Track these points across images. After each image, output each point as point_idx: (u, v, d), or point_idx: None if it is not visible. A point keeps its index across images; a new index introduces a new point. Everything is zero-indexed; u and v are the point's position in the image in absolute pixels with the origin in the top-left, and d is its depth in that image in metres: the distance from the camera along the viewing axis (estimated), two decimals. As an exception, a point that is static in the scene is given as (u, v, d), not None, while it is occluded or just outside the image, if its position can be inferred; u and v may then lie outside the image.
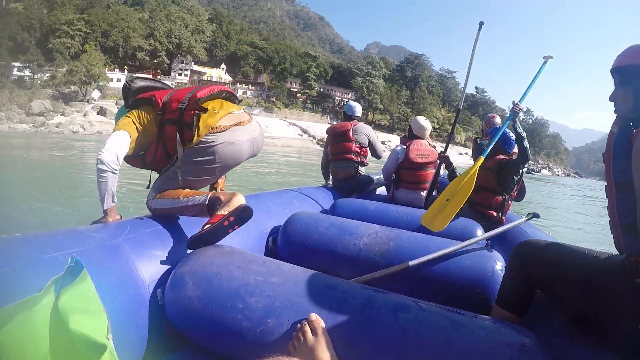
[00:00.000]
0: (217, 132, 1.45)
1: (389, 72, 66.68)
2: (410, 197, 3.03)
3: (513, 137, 2.61)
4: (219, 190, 1.75)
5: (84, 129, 35.65)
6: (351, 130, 3.22)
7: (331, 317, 0.95)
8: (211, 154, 1.45)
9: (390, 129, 58.81)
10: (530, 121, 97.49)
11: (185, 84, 53.26)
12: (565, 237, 5.55)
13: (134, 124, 1.49)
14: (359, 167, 3.25)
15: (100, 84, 45.80)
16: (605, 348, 0.98)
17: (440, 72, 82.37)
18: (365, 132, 3.26)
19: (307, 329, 0.91)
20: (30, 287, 0.74)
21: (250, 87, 59.09)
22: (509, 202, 2.64)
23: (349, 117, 3.37)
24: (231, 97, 1.65)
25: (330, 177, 3.40)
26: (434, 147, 3.08)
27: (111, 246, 1.16)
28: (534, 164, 70.72)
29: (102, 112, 42.22)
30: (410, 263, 1.49)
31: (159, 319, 1.15)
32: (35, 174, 9.21)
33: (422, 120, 3.19)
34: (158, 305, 1.17)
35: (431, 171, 3.02)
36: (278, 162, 17.78)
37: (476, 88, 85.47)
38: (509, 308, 1.23)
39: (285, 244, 1.76)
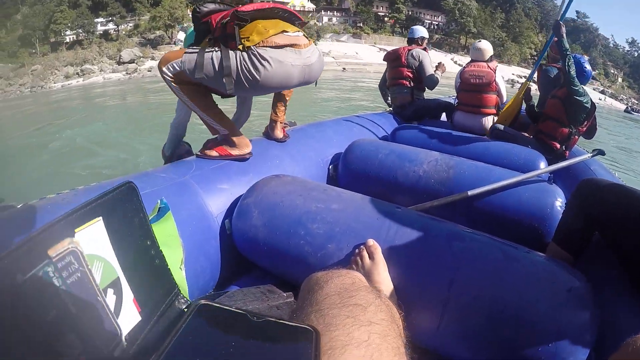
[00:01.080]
0: (267, 47, 1.37)
1: None
2: (468, 121, 2.92)
3: (588, 67, 2.57)
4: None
5: None
6: (405, 55, 3.17)
7: (388, 243, 0.98)
8: (255, 67, 1.35)
9: (483, 55, 52.77)
10: (636, 54, 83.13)
11: None
12: (633, 182, 4.81)
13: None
14: (416, 92, 3.19)
15: (185, 25, 45.25)
16: None
17: (535, -6, 72.05)
18: (417, 55, 3.14)
19: (365, 253, 0.95)
20: None
21: (335, 13, 57.06)
22: (576, 136, 2.47)
23: (410, 40, 3.31)
24: (291, 18, 1.52)
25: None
26: (494, 70, 2.86)
27: (180, 184, 1.23)
28: (637, 103, 59.92)
29: (190, 51, 41.94)
30: (469, 193, 1.49)
31: (228, 248, 1.24)
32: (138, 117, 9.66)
33: (479, 43, 3.07)
34: (226, 234, 1.25)
35: (492, 96, 2.87)
36: (372, 88, 16.56)
37: (577, 12, 74.83)
38: (565, 246, 1.21)
39: (345, 171, 1.78)
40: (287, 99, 1.75)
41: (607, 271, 1.09)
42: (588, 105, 2.36)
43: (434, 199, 1.50)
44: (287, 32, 1.40)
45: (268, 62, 1.32)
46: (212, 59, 1.33)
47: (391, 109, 3.38)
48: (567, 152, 2.47)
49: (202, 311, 0.41)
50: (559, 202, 1.43)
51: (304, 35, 1.47)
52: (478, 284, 0.87)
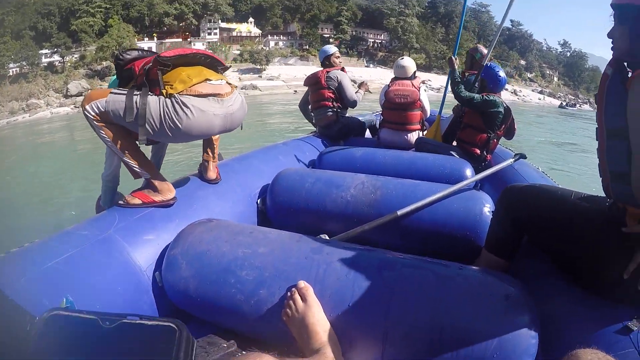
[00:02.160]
0: (190, 95, 1.36)
1: (422, 10, 63.47)
2: (394, 138, 2.98)
3: (502, 75, 2.64)
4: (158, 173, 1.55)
5: None
6: (323, 77, 3.16)
7: (319, 282, 0.97)
8: (178, 115, 1.33)
9: (427, 68, 56.55)
10: (568, 54, 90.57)
11: (217, 42, 52.61)
12: (562, 177, 5.27)
13: None
14: (339, 112, 3.19)
15: (133, 55, 45.37)
16: (590, 293, 1.00)
17: (473, 6, 77.15)
18: (335, 77, 3.15)
19: (297, 296, 0.94)
20: (33, 305, 0.72)
21: (281, 37, 58.05)
22: (495, 140, 2.60)
23: (323, 63, 3.30)
24: (213, 63, 1.52)
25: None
26: (418, 88, 2.97)
27: (103, 240, 1.17)
28: (573, 99, 66.32)
29: (139, 82, 41.97)
30: (399, 212, 1.49)
31: (162, 301, 1.20)
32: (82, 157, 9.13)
33: (402, 60, 3.16)
34: (159, 287, 1.19)
35: (416, 112, 2.94)
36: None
37: (511, 21, 79.97)
38: (496, 252, 1.23)
39: (273, 204, 1.75)
40: (216, 143, 1.73)
41: (541, 267, 1.14)
42: (501, 111, 2.50)
43: (365, 223, 1.50)
44: (210, 80, 1.41)
45: (190, 110, 1.32)
46: (136, 102, 1.32)
47: (316, 130, 3.40)
48: (488, 156, 2.60)
49: (51, 324, 0.38)
50: (487, 208, 1.47)
51: (226, 82, 1.47)
52: (414, 311, 0.88)
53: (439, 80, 52.68)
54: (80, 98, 40.64)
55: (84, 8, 48.34)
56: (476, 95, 2.53)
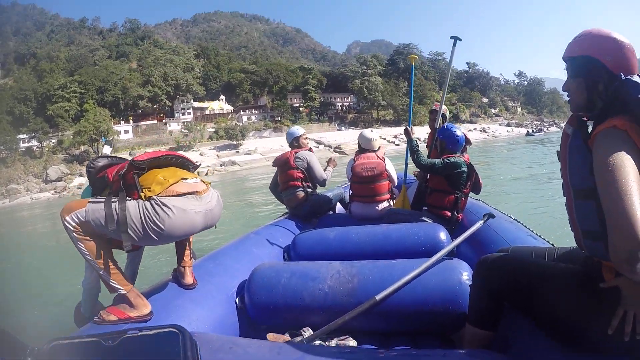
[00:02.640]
0: (170, 196, 1.38)
1: (383, 68, 66.42)
2: (365, 210, 3.02)
3: (459, 134, 2.66)
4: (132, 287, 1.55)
5: None
6: (292, 158, 3.23)
7: None
8: (160, 217, 1.34)
9: (396, 123, 58.70)
10: (526, 83, 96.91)
11: (191, 121, 53.39)
12: (537, 216, 5.49)
13: None
14: (308, 190, 3.24)
15: (109, 138, 46.38)
16: (576, 350, 0.99)
17: (429, 56, 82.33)
18: (304, 158, 3.23)
19: None
20: None
21: (253, 111, 59.22)
22: (463, 199, 2.63)
23: (291, 144, 3.38)
24: (184, 163, 1.58)
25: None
26: (383, 159, 3.06)
27: None
28: (539, 124, 70.94)
29: (118, 165, 42.61)
30: (377, 297, 1.49)
31: None
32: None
33: (367, 132, 3.25)
34: None
35: (384, 183, 3.01)
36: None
37: (467, 64, 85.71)
38: (481, 325, 1.22)
39: (252, 303, 1.73)
40: (190, 245, 1.71)
41: (525, 329, 1.17)
42: (465, 170, 2.51)
43: (345, 312, 1.50)
44: (185, 179, 1.44)
45: (172, 210, 1.32)
46: (115, 209, 1.30)
47: (287, 212, 3.38)
48: (460, 215, 2.59)
49: (54, 352, 0.37)
50: (465, 276, 1.49)
51: (201, 180, 1.50)
52: None
53: (422, 131, 54.32)
54: (60, 183, 40.99)
55: (59, 93, 49.28)
56: (437, 161, 2.56)
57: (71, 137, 47.53)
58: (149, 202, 1.34)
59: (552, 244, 1.68)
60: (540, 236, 1.90)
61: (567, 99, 1.06)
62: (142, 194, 1.35)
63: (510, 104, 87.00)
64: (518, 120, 75.25)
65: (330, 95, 63.76)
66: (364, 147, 3.18)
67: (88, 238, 1.34)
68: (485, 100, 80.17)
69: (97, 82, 52.61)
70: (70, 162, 44.65)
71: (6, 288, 5.92)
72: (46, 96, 50.40)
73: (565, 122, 1.11)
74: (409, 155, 3.04)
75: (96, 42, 74.26)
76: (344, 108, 64.66)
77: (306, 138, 3.43)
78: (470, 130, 57.48)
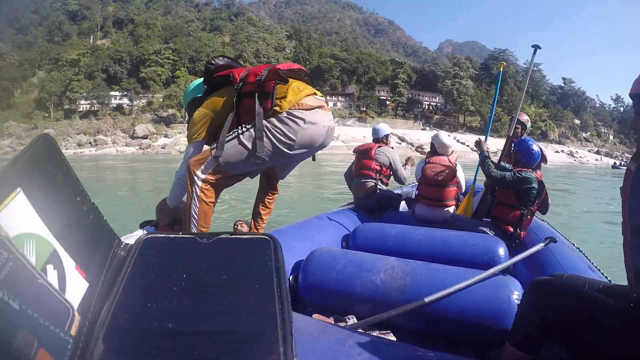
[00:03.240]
0: (302, 109, 1.43)
1: (475, 72, 63.63)
2: (429, 213, 2.94)
3: (536, 149, 2.57)
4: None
5: None
6: (374, 149, 3.26)
7: None
8: (293, 129, 1.41)
9: (482, 131, 54.95)
10: (622, 109, 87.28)
11: None
12: (598, 249, 5.12)
13: (208, 114, 1.54)
14: (379, 184, 3.23)
15: (198, 105, 47.46)
16: None
17: (525, 65, 75.94)
18: (388, 154, 3.26)
19: None
20: None
21: (339, 98, 59.07)
22: (529, 216, 2.50)
23: (376, 140, 3.39)
24: (311, 81, 1.61)
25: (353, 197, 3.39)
26: (454, 165, 2.95)
27: None
28: (630, 156, 62.47)
29: (203, 132, 43.27)
30: (426, 299, 1.50)
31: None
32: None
33: (444, 136, 3.17)
34: None
35: (452, 189, 2.92)
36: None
37: (563, 79, 79.08)
38: (521, 348, 1.19)
39: (305, 283, 1.77)
40: (265, 217, 1.82)
41: None
42: (535, 187, 2.42)
43: (393, 307, 1.52)
44: (316, 95, 1.51)
45: (304, 121, 1.40)
46: (242, 142, 1.42)
47: (352, 202, 3.42)
48: (522, 233, 2.51)
49: (148, 244, 0.38)
50: (516, 296, 1.47)
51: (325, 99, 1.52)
52: None
53: (495, 143, 50.91)
54: (145, 141, 42.10)
55: (153, 58, 51.78)
56: (507, 174, 2.48)
57: (161, 99, 49.10)
58: (275, 119, 1.41)
59: (609, 279, 1.65)
60: (599, 269, 1.85)
61: (636, 136, 1.05)
62: (277, 107, 1.41)
63: (603, 130, 79.56)
64: (609, 150, 69.09)
65: (418, 93, 62.25)
66: (439, 150, 3.07)
67: (209, 189, 1.47)
68: (577, 121, 73.23)
69: (189, 52, 54.12)
70: (158, 122, 45.98)
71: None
72: (140, 59, 52.91)
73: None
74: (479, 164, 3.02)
75: (192, 14, 76.98)
76: (431, 108, 62.95)
77: (391, 137, 3.48)
78: (557, 152, 52.82)
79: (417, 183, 3.37)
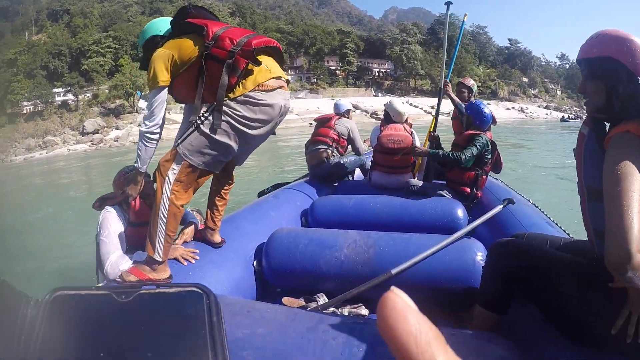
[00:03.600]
0: (264, 91, 1.41)
1: (423, 37, 64.22)
2: (385, 180, 2.98)
3: (487, 111, 2.63)
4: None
5: None
6: (334, 120, 3.39)
7: None
8: (253, 112, 1.40)
9: (433, 93, 56.85)
10: (567, 66, 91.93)
11: None
12: (555, 205, 5.04)
13: (170, 55, 1.42)
14: (334, 152, 3.29)
15: (144, 92, 46.19)
16: (579, 345, 1.02)
17: (471, 28, 78.46)
18: (347, 124, 3.40)
19: None
20: None
21: (289, 72, 58.48)
22: (484, 176, 2.61)
23: (337, 114, 3.52)
24: (280, 55, 1.58)
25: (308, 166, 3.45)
26: (411, 133, 3.00)
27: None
28: (578, 110, 66.92)
29: (154, 120, 42.54)
30: (393, 271, 1.50)
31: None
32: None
33: (398, 104, 3.13)
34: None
35: (409, 156, 2.95)
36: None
37: (509, 40, 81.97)
38: (489, 308, 1.22)
39: (269, 266, 1.76)
40: (222, 208, 1.76)
41: (532, 318, 1.17)
42: (489, 149, 2.51)
43: (360, 281, 1.52)
44: (280, 77, 1.48)
45: (263, 103, 1.40)
46: (204, 132, 1.37)
47: (307, 174, 3.44)
48: (479, 192, 2.60)
49: (58, 303, 0.32)
50: (480, 257, 1.51)
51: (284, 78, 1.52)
52: None
53: (447, 104, 52.53)
54: (97, 136, 41.03)
55: (93, 48, 49.41)
56: (464, 155, 2.46)
57: (107, 91, 47.47)
58: (244, 99, 1.38)
59: (569, 234, 1.68)
60: (558, 225, 1.88)
61: (584, 101, 1.06)
62: (240, 86, 1.38)
63: (551, 86, 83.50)
64: (557, 104, 72.37)
65: (367, 61, 62.50)
66: (394, 118, 3.08)
67: (181, 191, 1.40)
68: (525, 79, 76.51)
69: (131, 38, 52.11)
70: (106, 115, 44.70)
71: (16, 239, 5.86)
72: (80, 51, 50.56)
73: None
74: (439, 110, 3.32)
75: (130, -1, 73.47)
76: (381, 74, 63.39)
77: (352, 112, 3.67)
78: (508, 109, 55.14)
79: (371, 150, 3.44)
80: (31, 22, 66.62)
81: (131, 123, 43.86)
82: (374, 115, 38.37)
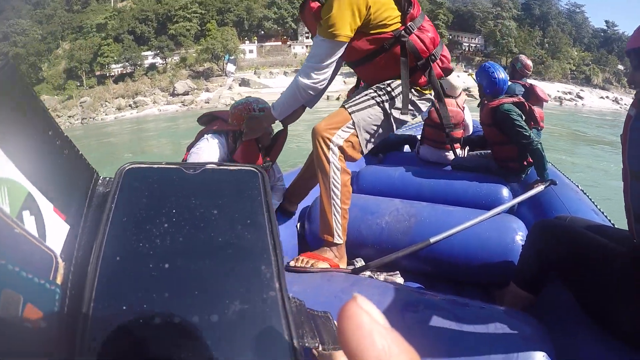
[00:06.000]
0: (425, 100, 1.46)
1: (518, 12, 60.04)
2: (434, 155, 2.95)
3: (500, 75, 2.34)
4: None
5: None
6: None
7: None
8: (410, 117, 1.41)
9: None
10: None
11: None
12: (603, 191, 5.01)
13: (366, 7, 1.23)
14: None
15: (231, 57, 46.35)
16: (611, 337, 1.02)
17: (567, 6, 71.88)
18: None
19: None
20: None
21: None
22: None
23: None
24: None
25: None
26: (463, 108, 2.92)
27: None
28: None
29: (244, 83, 42.67)
30: (432, 240, 1.52)
31: None
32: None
33: (452, 77, 2.94)
34: None
35: (458, 132, 2.91)
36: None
37: (606, 22, 74.16)
38: (524, 287, 1.23)
39: (311, 230, 1.77)
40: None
41: (567, 303, 1.17)
42: (514, 116, 2.20)
43: (399, 249, 1.51)
44: None
45: (415, 112, 1.48)
46: (385, 108, 1.32)
47: None
48: (525, 166, 2.37)
49: (131, 176, 0.36)
50: (519, 236, 1.49)
51: None
52: (432, 353, 0.89)
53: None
54: (188, 97, 41.62)
55: (180, 13, 50.47)
56: (525, 133, 2.15)
57: (194, 54, 48.18)
58: (420, 99, 1.43)
59: (613, 224, 1.66)
60: (603, 212, 1.85)
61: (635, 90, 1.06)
62: (424, 90, 1.44)
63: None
64: (656, 94, 64.60)
65: (458, 34, 59.42)
66: (447, 91, 2.84)
67: (343, 161, 1.31)
68: (620, 67, 69.13)
69: (217, 4, 52.43)
70: (196, 77, 45.38)
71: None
72: (167, 17, 51.83)
73: None
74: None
75: (214, -35, 74.50)
76: (470, 49, 59.80)
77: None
78: (602, 98, 50.23)
79: (421, 123, 3.36)
80: (116, -10, 69.37)
81: (221, 86, 44.29)
82: (467, 92, 36.87)
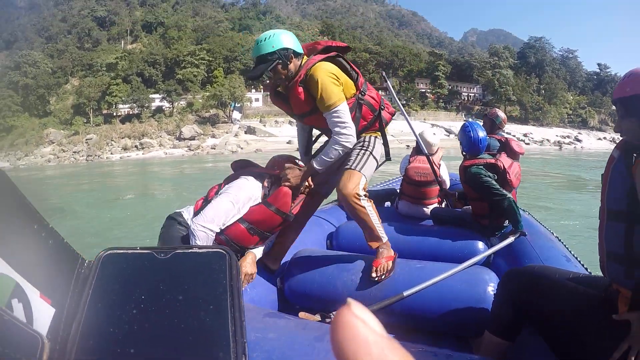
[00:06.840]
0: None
1: (514, 61, 61.91)
2: (411, 210, 2.99)
3: (479, 134, 2.37)
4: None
5: (242, 148, 35.92)
6: None
7: None
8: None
9: (523, 120, 54.25)
10: None
11: None
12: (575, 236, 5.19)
13: (339, 83, 1.65)
14: None
15: (237, 104, 47.08)
16: None
17: (560, 52, 74.42)
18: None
19: None
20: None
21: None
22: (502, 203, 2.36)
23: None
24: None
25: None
26: (439, 165, 2.97)
27: None
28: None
29: (250, 130, 43.18)
30: (405, 293, 1.56)
31: None
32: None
33: (429, 135, 3.08)
34: None
35: (435, 187, 2.92)
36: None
37: (598, 65, 76.31)
38: (498, 334, 1.25)
39: (289, 285, 1.85)
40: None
41: (540, 347, 1.21)
42: (488, 177, 2.25)
43: (374, 303, 1.57)
44: None
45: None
46: (374, 156, 1.76)
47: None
48: (499, 220, 2.37)
49: (108, 261, 0.39)
50: (491, 287, 1.53)
51: None
52: None
53: (540, 132, 50.23)
54: (194, 142, 41.97)
55: (188, 59, 51.93)
56: (496, 192, 2.20)
57: (200, 100, 48.92)
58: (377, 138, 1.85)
59: (587, 269, 1.73)
60: (577, 259, 1.91)
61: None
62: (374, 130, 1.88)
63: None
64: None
65: (457, 84, 61.08)
66: (427, 149, 2.95)
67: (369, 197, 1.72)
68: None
69: (223, 52, 54.16)
70: (202, 123, 45.96)
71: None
72: (175, 61, 53.20)
73: None
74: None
75: (220, 15, 77.34)
76: (469, 98, 61.60)
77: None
78: (599, 139, 50.90)
79: (400, 178, 3.39)
80: (127, 32, 71.76)
81: (227, 132, 44.77)
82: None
